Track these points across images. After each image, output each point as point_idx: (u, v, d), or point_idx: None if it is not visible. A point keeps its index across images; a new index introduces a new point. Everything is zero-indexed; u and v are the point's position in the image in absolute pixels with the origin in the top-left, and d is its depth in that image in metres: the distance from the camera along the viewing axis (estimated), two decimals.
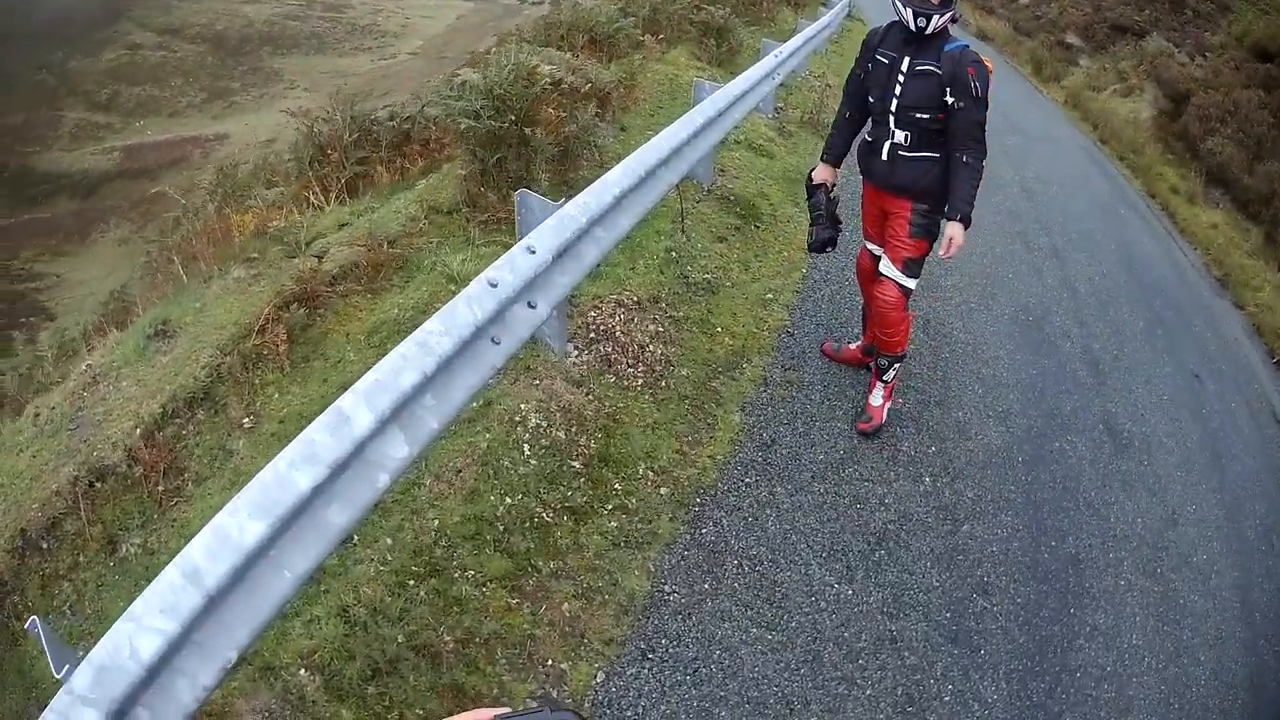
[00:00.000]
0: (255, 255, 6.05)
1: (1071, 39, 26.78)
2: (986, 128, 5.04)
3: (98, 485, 4.76)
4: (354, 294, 5.71)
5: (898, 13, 5.05)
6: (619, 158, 7.75)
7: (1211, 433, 7.37)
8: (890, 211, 5.40)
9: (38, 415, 5.20)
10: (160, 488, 4.76)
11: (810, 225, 5.70)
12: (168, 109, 58.34)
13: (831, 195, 5.69)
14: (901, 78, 5.12)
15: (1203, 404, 7.80)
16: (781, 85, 11.43)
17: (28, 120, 56.70)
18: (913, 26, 4.99)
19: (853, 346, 6.22)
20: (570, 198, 4.83)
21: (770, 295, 6.82)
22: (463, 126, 6.68)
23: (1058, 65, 25.00)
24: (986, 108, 5.00)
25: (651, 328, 5.82)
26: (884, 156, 5.28)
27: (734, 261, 7.16)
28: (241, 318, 5.32)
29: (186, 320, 5.49)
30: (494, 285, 3.88)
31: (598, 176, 7.37)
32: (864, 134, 5.53)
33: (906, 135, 5.19)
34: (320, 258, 5.82)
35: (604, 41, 11.81)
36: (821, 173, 5.69)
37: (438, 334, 3.52)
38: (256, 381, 5.13)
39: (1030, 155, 13.60)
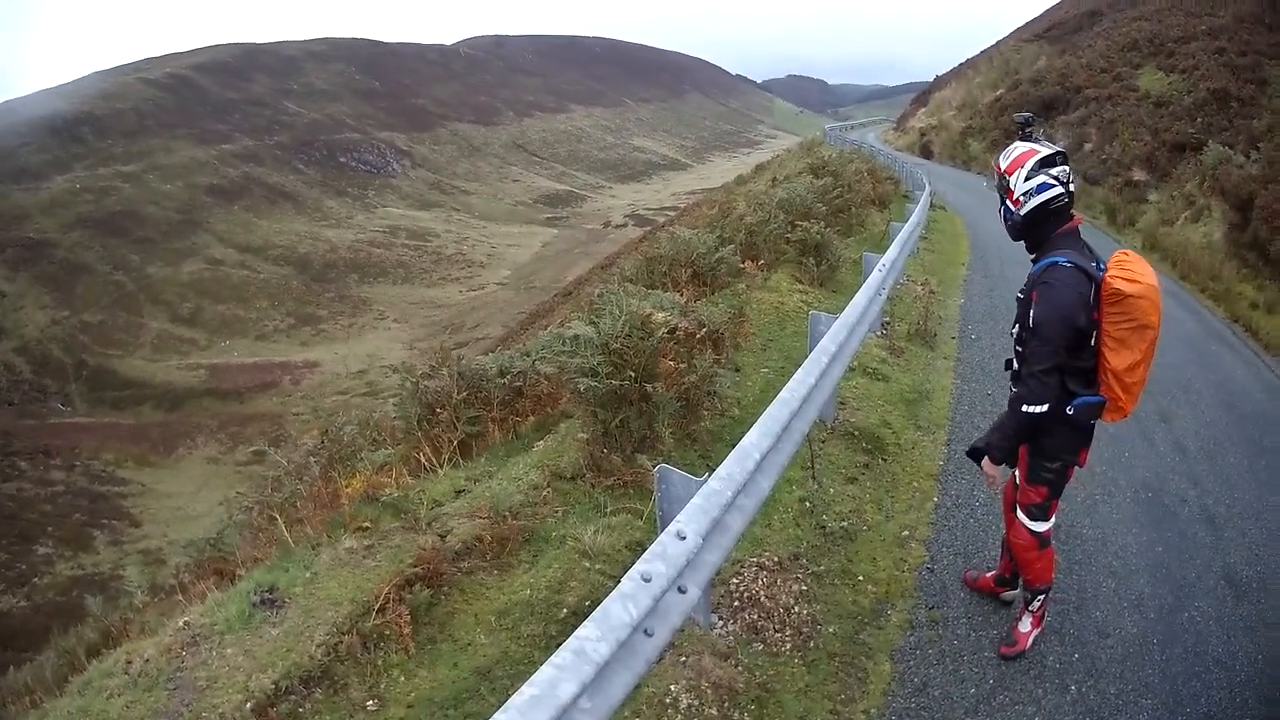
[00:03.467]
0: (367, 525, 5.76)
1: (1138, 174, 26.45)
2: (1054, 347, 4.35)
3: None
4: (479, 571, 5.42)
5: None
6: (737, 402, 8.18)
7: None
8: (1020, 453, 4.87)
9: (129, 663, 4.81)
10: None
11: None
12: (254, 331, 62.50)
13: None
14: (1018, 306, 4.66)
15: None
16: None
17: (105, 322, 59.73)
18: (1011, 235, 4.69)
19: (988, 575, 5.84)
20: (712, 471, 4.55)
21: (906, 533, 6.62)
22: (582, 387, 6.38)
23: (1130, 208, 24.65)
24: (1050, 336, 4.33)
25: (795, 588, 5.57)
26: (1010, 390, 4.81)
27: (867, 502, 6.93)
28: (358, 594, 5.05)
29: (296, 590, 5.20)
30: (648, 580, 3.62)
31: (720, 427, 7.50)
32: None
33: (1014, 372, 4.77)
34: (443, 536, 5.53)
35: (706, 274, 11.72)
36: None
37: (594, 640, 3.24)
38: (379, 663, 4.78)
39: None
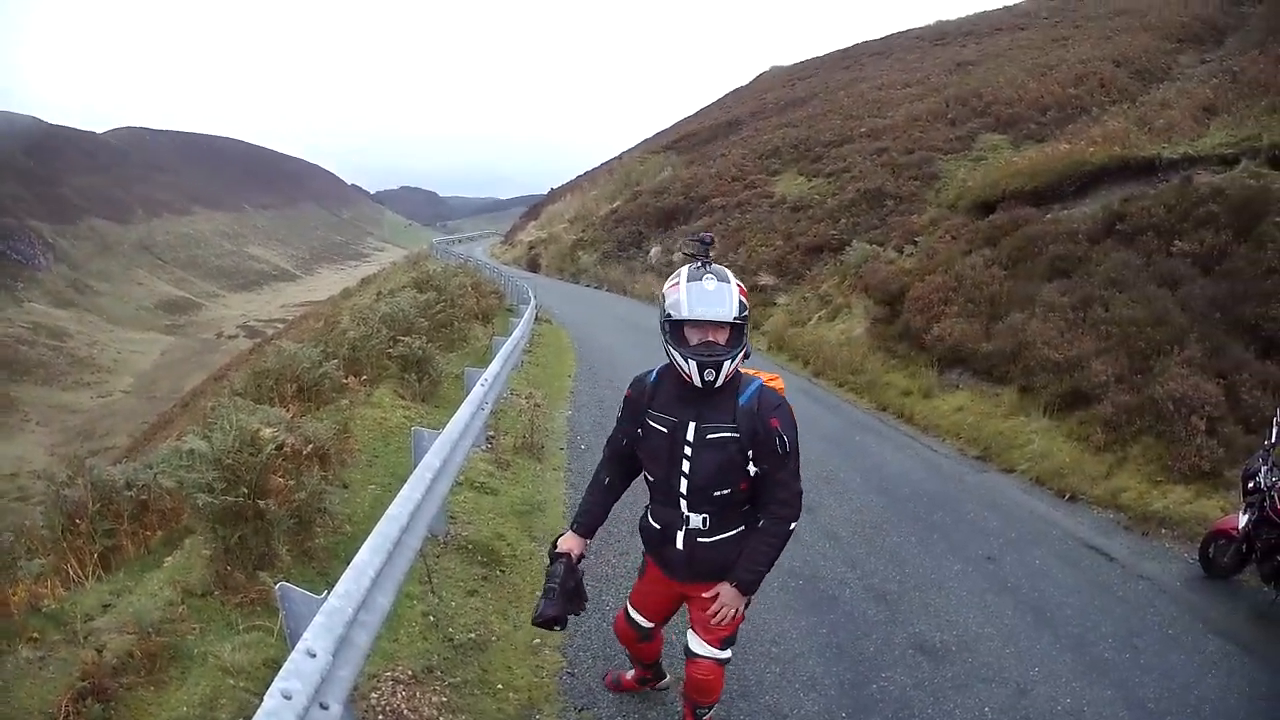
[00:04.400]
0: (36, 635, 5.88)
1: (765, 279, 27.83)
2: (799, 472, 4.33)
3: None
4: (138, 686, 5.47)
5: (677, 364, 4.26)
6: (349, 518, 8.35)
7: (1024, 598, 7.72)
8: (694, 596, 4.70)
9: None
10: None
11: (540, 597, 4.66)
12: None
13: (577, 566, 4.75)
14: (689, 450, 4.33)
15: (1005, 579, 8.13)
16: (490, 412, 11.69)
17: None
18: (699, 382, 4.20)
19: (629, 676, 5.90)
20: (331, 588, 4.66)
21: (538, 640, 6.70)
22: (200, 503, 6.56)
23: (754, 312, 25.54)
24: (798, 456, 4.35)
25: (435, 699, 5.60)
26: (679, 545, 4.52)
27: (492, 613, 7.08)
28: (44, 705, 5.15)
29: None
30: (289, 698, 3.67)
31: (335, 544, 7.72)
32: (648, 513, 4.72)
33: (705, 519, 4.43)
34: (100, 650, 5.55)
35: (310, 389, 12.07)
36: (567, 541, 4.78)
37: None
38: None
39: None
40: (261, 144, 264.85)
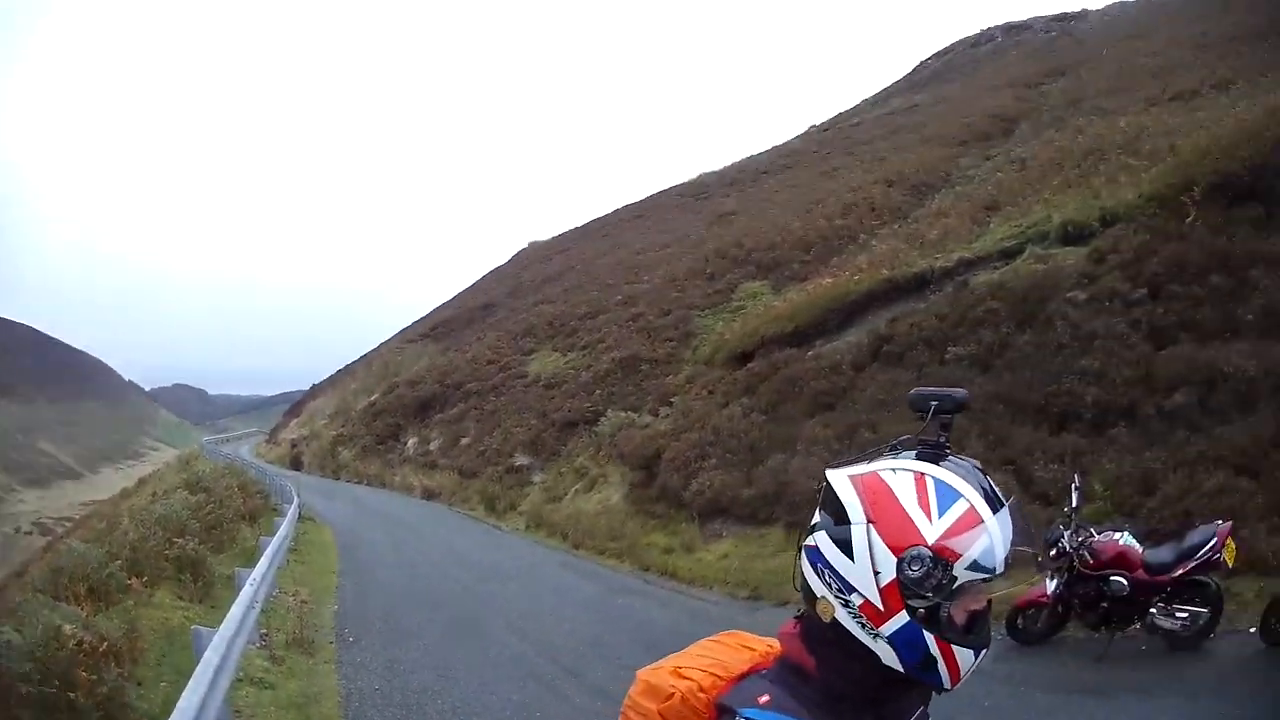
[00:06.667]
0: None
1: (521, 459, 28.47)
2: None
3: None
4: None
5: (950, 665, 1.74)
6: (146, 714, 8.43)
7: None
8: None
9: None
10: None
11: None
12: None
13: None
14: None
15: None
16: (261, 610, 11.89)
17: None
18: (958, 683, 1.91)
19: None
20: None
21: None
22: (24, 691, 6.86)
23: (511, 493, 26.52)
24: None
25: None
26: None
27: None
28: None
29: None
30: None
31: None
32: None
33: None
34: None
35: (100, 589, 11.93)
36: None
37: None
38: None
39: (508, 597, 14.13)
40: (52, 333, 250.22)
